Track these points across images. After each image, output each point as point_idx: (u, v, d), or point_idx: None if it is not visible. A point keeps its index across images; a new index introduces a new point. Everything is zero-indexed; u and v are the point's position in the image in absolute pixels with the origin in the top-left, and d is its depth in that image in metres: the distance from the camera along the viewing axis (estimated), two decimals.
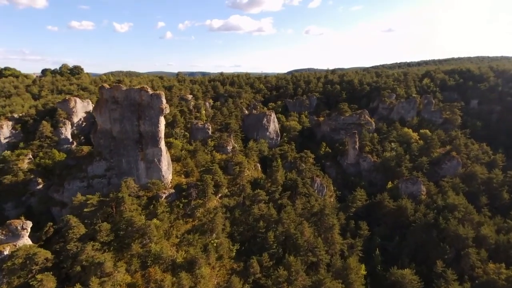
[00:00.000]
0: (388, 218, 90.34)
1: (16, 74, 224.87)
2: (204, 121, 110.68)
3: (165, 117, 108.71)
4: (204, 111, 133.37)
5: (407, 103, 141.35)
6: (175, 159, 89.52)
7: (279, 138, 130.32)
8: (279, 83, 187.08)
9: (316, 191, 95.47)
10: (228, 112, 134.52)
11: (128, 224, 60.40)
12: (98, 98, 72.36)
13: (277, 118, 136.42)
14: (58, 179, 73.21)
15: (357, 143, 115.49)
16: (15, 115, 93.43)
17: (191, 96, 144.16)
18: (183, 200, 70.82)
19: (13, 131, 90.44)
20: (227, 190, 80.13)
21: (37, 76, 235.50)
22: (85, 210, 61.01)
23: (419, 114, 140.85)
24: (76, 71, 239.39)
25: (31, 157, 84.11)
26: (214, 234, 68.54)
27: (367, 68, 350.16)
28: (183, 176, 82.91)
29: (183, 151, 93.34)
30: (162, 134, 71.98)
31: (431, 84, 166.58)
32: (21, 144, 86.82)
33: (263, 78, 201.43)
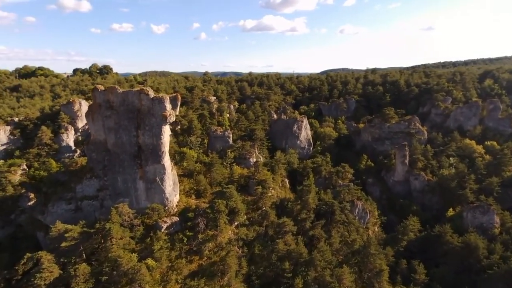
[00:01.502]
0: (451, 259, 70.36)
1: (46, 74, 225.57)
2: (225, 128, 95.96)
3: (180, 122, 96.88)
4: (227, 115, 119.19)
5: (467, 109, 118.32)
6: (187, 174, 75.63)
7: (311, 148, 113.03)
8: (313, 83, 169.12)
9: (357, 217, 77.41)
10: (254, 116, 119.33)
11: (113, 266, 46.71)
12: (91, 102, 59.59)
13: (309, 123, 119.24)
14: (44, 198, 61.46)
15: (407, 156, 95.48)
16: (15, 119, 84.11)
17: (214, 98, 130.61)
18: (188, 233, 56.14)
19: (11, 137, 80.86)
20: (245, 217, 64.62)
21: (67, 76, 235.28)
22: (62, 245, 48.11)
23: (482, 122, 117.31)
24: (105, 70, 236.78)
25: (25, 167, 73.66)
26: (226, 278, 53.23)
27: (407, 68, 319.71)
28: (193, 196, 68.54)
29: (197, 164, 79.28)
30: (165, 147, 57.86)
31: (495, 86, 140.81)
32: (17, 152, 76.81)
33: (295, 78, 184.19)
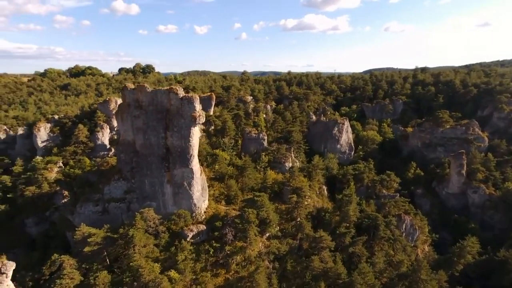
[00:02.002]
0: None
1: (94, 73, 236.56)
2: (260, 130, 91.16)
3: (214, 123, 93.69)
4: (263, 116, 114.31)
5: None
6: (218, 177, 71.93)
7: (352, 153, 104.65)
8: (355, 83, 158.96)
9: (404, 234, 68.75)
10: (292, 117, 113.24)
11: (134, 276, 43.79)
12: (121, 101, 57.61)
13: (351, 126, 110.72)
14: (74, 198, 60.80)
15: (464, 166, 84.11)
16: (56, 117, 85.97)
17: (251, 97, 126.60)
18: (215, 244, 51.97)
19: (51, 134, 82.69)
20: (277, 228, 59.25)
21: (112, 75, 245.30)
22: (85, 249, 46.21)
23: None
24: (147, 70, 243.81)
25: (61, 165, 74.52)
26: None
27: (460, 67, 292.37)
28: (223, 202, 64.48)
29: (229, 167, 75.34)
30: (194, 150, 54.22)
31: None
32: (55, 150, 78.08)
33: (336, 78, 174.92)
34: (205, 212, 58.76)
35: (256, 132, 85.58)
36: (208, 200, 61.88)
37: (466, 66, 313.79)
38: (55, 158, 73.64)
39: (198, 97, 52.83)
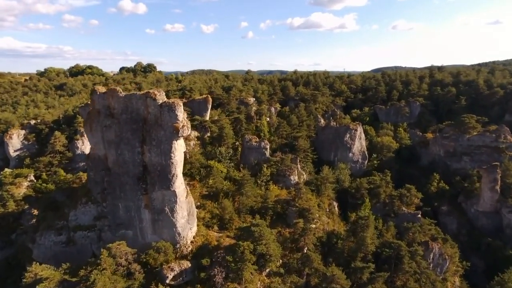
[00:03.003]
0: None
1: (93, 72, 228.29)
2: (261, 137, 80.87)
3: (210, 129, 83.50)
4: (266, 120, 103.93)
5: None
6: (212, 195, 61.90)
7: (366, 162, 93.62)
8: (367, 83, 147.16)
9: (431, 265, 57.78)
10: (298, 121, 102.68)
11: None
12: (90, 108, 47.56)
13: (363, 130, 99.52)
14: (37, 223, 51.16)
15: (499, 181, 72.65)
16: (32, 122, 76.68)
17: (253, 99, 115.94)
18: None
19: (25, 142, 73.41)
20: (280, 262, 48.92)
21: (114, 74, 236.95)
22: None
23: None
24: (149, 69, 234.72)
25: (33, 178, 65.12)
26: None
27: (472, 65, 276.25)
28: (216, 227, 54.29)
29: (226, 182, 65.27)
30: (177, 168, 44.13)
31: None
32: (27, 160, 68.81)
33: (346, 78, 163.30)
34: (192, 242, 48.60)
35: (257, 140, 75.08)
36: (198, 225, 51.75)
37: (478, 64, 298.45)
38: (25, 171, 64.29)
39: (181, 103, 42.64)
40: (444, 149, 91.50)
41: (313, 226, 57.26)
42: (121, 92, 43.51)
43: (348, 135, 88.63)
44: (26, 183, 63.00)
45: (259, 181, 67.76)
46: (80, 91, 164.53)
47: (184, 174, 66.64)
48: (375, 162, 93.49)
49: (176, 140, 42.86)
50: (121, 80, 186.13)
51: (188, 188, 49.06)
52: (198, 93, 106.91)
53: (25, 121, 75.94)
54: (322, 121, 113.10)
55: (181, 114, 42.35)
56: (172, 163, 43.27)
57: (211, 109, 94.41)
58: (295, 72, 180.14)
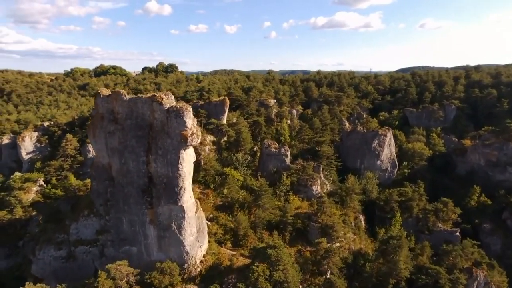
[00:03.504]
0: None
1: (116, 72, 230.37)
2: (281, 143, 75.40)
3: (227, 133, 78.87)
4: (287, 123, 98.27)
5: None
6: (227, 205, 57.16)
7: (395, 170, 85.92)
8: (395, 84, 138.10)
9: None
10: (321, 124, 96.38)
11: None
12: (94, 112, 43.77)
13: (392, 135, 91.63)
14: (39, 235, 48.10)
15: None
16: (45, 124, 74.85)
17: (274, 100, 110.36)
18: None
19: (38, 145, 71.55)
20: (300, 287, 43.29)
21: (136, 74, 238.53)
22: None
23: None
24: (170, 69, 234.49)
25: (42, 183, 62.79)
26: None
27: (506, 65, 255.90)
28: (229, 243, 49.40)
29: (242, 192, 60.37)
30: (185, 181, 39.56)
31: None
32: (38, 164, 66.68)
33: (372, 78, 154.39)
34: (201, 261, 43.88)
35: (277, 146, 69.54)
36: (209, 241, 47.03)
37: None
38: (34, 175, 61.98)
39: (190, 108, 37.97)
40: (485, 158, 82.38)
41: (337, 245, 51.30)
42: (125, 95, 39.40)
43: (376, 141, 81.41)
44: (35, 188, 60.67)
45: (278, 191, 62.42)
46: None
47: (198, 182, 62.78)
48: (406, 171, 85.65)
49: (184, 150, 38.24)
50: (142, 80, 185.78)
51: (199, 202, 44.25)
52: (216, 94, 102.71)
53: (39, 123, 74.36)
54: (347, 124, 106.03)
55: (190, 120, 37.68)
56: (180, 175, 38.68)
57: (230, 111, 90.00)
58: (318, 72, 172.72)
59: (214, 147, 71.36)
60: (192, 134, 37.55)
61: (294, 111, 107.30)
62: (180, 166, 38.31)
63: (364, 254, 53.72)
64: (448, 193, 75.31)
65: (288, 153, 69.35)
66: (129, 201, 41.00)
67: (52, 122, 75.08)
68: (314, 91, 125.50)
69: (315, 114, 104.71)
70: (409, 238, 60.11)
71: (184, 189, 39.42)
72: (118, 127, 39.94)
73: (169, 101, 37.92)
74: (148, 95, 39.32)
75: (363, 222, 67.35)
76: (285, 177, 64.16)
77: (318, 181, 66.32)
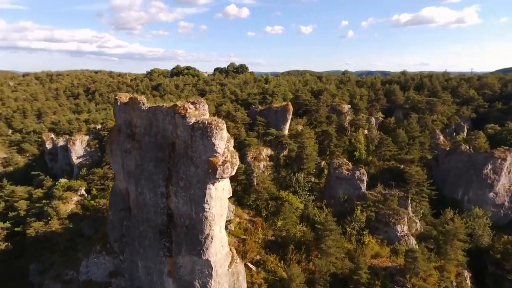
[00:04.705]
0: None
1: (190, 73, 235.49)
2: (355, 158, 59.86)
3: (287, 146, 65.87)
4: (363, 133, 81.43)
5: None
6: (279, 244, 44.63)
7: None
8: (509, 88, 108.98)
9: None
10: (408, 137, 77.16)
11: None
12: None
13: None
14: (48, 266, 41.54)
15: None
16: (98, 127, 71.44)
17: (349, 106, 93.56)
18: None
19: (88, 149, 68.10)
20: None
21: (208, 75, 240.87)
22: None
23: None
24: (241, 69, 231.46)
25: (83, 193, 58.05)
26: None
27: None
28: None
29: (300, 225, 47.20)
30: (213, 226, 28.04)
31: None
32: (83, 171, 62.58)
33: (475, 80, 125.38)
34: None
35: (350, 168, 54.20)
36: None
37: None
38: (77, 184, 57.51)
39: (222, 126, 26.10)
40: None
41: None
42: (143, 104, 29.46)
43: (490, 166, 60.17)
44: (75, 198, 56.15)
45: (348, 229, 47.57)
46: (170, 92, 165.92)
47: (248, 207, 51.53)
48: None
49: (213, 184, 26.70)
50: (210, 81, 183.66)
51: (235, 252, 32.49)
52: (281, 98, 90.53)
53: (92, 126, 71.57)
54: (441, 138, 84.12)
55: (222, 143, 25.93)
56: (206, 217, 27.31)
57: (295, 117, 77.34)
58: (403, 73, 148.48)
59: (271, 163, 59.15)
60: (224, 162, 25.82)
61: (373, 119, 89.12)
62: (206, 206, 26.96)
63: None
64: None
65: (365, 178, 53.62)
66: (145, 243, 31.21)
67: (102, 126, 71.78)
68: (399, 95, 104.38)
69: (399, 124, 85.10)
70: None
71: (212, 238, 27.96)
72: (135, 145, 30.36)
73: (195, 113, 26.73)
74: (170, 104, 28.59)
75: (468, 281, 48.35)
76: (359, 211, 48.88)
77: (405, 218, 49.42)
